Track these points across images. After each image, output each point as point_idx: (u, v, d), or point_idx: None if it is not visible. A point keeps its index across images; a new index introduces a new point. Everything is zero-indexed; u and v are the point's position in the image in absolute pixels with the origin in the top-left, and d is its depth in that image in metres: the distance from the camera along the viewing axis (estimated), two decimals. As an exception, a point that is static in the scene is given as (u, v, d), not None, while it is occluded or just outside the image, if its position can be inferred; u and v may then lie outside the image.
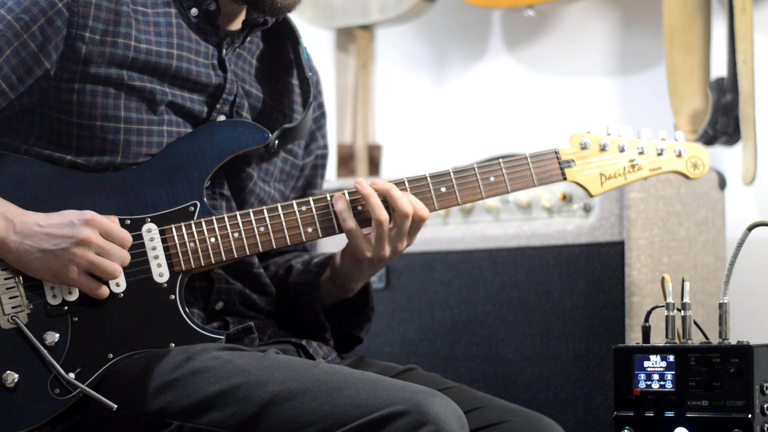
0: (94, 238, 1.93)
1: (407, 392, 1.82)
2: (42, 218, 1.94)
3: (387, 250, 2.07)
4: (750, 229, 1.96)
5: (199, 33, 2.10)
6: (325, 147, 2.33)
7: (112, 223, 1.96)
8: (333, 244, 2.29)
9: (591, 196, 2.19)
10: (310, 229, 2.06)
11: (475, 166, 2.12)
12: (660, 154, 2.20)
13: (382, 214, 2.04)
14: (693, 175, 2.23)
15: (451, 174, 2.10)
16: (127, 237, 1.97)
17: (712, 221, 2.83)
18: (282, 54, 2.25)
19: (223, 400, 1.88)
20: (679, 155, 2.22)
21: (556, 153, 2.16)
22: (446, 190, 2.10)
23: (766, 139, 3.02)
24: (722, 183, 2.88)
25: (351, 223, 2.05)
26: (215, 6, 2.10)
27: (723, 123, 2.99)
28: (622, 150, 2.18)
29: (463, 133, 3.59)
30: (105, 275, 1.95)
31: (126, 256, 1.96)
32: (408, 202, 2.04)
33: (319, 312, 2.18)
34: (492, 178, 2.12)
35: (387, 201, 2.05)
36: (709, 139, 2.98)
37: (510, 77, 3.54)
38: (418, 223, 2.06)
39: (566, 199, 2.75)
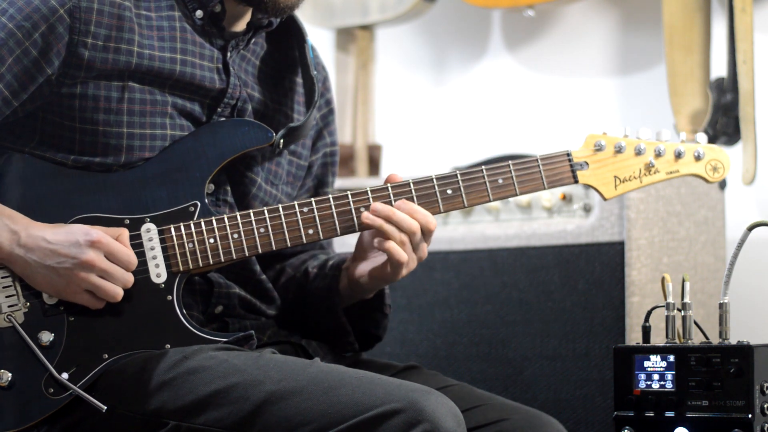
0: (97, 261, 1.93)
1: (403, 390, 1.82)
2: (49, 233, 1.93)
3: (414, 263, 2.07)
4: (750, 229, 1.96)
5: (204, 35, 2.09)
6: (334, 144, 2.30)
7: (118, 243, 1.95)
8: (346, 245, 2.28)
9: (605, 199, 2.12)
10: (311, 231, 2.03)
11: (483, 168, 2.07)
12: (679, 157, 2.13)
13: (403, 237, 2.02)
14: (712, 179, 2.15)
15: (458, 176, 2.06)
16: (132, 259, 1.96)
17: (712, 221, 2.83)
18: (287, 54, 2.22)
19: (219, 399, 1.87)
20: (699, 158, 2.14)
21: (568, 155, 2.10)
22: (452, 192, 2.06)
23: (766, 139, 3.02)
24: (722, 183, 2.88)
25: (404, 256, 2.04)
26: (220, 8, 2.08)
27: (723, 123, 2.98)
28: (638, 153, 2.11)
29: (463, 134, 3.59)
30: (106, 297, 1.95)
31: (129, 279, 1.96)
32: (411, 221, 2.02)
33: (341, 316, 2.16)
34: (500, 180, 2.07)
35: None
36: (709, 139, 2.98)
37: (510, 77, 3.53)
38: (428, 234, 2.05)
39: (566, 199, 2.74)
